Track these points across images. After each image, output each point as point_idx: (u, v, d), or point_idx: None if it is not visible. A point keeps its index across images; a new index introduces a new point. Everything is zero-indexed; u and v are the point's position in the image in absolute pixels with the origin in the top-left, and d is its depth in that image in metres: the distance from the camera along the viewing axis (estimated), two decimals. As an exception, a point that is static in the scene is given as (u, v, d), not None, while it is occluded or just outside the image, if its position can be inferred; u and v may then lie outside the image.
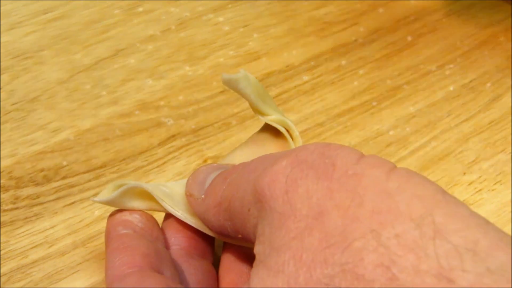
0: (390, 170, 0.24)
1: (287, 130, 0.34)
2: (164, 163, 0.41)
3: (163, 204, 0.33)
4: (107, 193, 0.33)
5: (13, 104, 0.44)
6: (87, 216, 0.38)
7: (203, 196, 0.31)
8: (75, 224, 0.38)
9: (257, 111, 0.34)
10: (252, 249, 0.27)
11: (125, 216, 0.33)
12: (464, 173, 0.42)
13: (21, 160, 0.41)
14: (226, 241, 0.33)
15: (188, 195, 0.32)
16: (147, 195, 0.33)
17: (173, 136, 0.42)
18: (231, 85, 0.33)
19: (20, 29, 0.48)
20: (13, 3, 0.50)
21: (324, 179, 0.25)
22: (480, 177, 0.42)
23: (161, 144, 0.42)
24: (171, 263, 0.31)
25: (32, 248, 0.37)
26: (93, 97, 0.44)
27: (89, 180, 0.40)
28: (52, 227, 0.38)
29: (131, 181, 0.33)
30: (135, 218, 0.33)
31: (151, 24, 0.49)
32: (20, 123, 0.43)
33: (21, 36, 0.48)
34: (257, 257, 0.26)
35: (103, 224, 0.38)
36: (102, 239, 0.37)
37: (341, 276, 0.22)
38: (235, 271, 0.32)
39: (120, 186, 0.33)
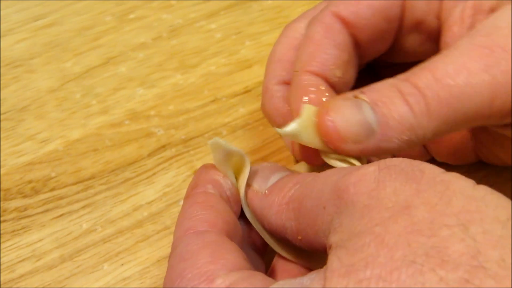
0: (475, 183, 0.25)
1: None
2: (154, 174, 0.41)
3: (240, 190, 0.33)
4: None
5: (3, 114, 0.43)
6: (75, 229, 0.38)
7: (266, 191, 0.31)
8: (63, 237, 0.38)
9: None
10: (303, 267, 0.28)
11: (218, 176, 0.33)
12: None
13: (9, 171, 0.40)
14: (275, 246, 0.33)
15: (248, 185, 0.32)
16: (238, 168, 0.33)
17: (163, 146, 0.42)
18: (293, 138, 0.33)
19: (11, 36, 0.48)
20: (3, 10, 0.49)
21: (412, 182, 0.25)
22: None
23: (151, 155, 0.42)
24: (239, 241, 0.31)
25: (20, 262, 0.37)
26: (83, 106, 0.44)
27: (78, 192, 0.40)
28: (40, 240, 0.38)
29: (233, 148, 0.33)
30: (226, 184, 0.33)
31: (142, 31, 0.49)
32: (9, 133, 0.42)
33: (11, 44, 0.48)
34: (333, 245, 0.25)
35: (91, 237, 0.38)
36: (90, 253, 0.37)
37: (423, 259, 0.22)
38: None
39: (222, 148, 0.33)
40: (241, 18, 0.51)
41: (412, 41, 0.36)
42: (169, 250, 0.37)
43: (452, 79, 0.29)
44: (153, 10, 0.51)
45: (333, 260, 0.24)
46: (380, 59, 0.38)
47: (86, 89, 0.45)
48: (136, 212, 0.39)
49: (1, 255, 0.37)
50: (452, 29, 0.33)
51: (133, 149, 0.42)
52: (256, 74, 0.47)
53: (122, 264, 0.37)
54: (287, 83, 0.36)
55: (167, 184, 0.40)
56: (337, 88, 0.34)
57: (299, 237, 0.29)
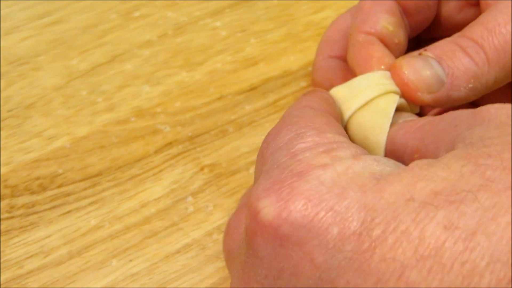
0: None
1: None
2: (161, 171, 0.41)
3: None
4: None
5: (9, 111, 0.43)
6: (83, 226, 0.38)
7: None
8: (70, 233, 0.38)
9: None
10: None
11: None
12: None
13: (16, 168, 0.40)
14: None
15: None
16: None
17: (170, 143, 0.42)
18: None
19: (17, 34, 0.48)
20: (9, 7, 0.50)
21: None
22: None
23: (158, 151, 0.42)
24: None
25: (28, 258, 0.37)
26: (89, 104, 0.44)
27: (85, 189, 0.40)
28: (48, 236, 0.38)
29: None
30: None
31: (148, 29, 0.49)
32: (15, 130, 0.42)
33: (17, 41, 0.48)
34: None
35: (99, 233, 0.38)
36: (98, 249, 0.37)
37: None
38: None
39: None
40: (245, 16, 0.51)
41: (453, 8, 0.38)
42: (177, 246, 0.37)
43: (504, 28, 0.32)
44: (157, 8, 0.51)
45: (453, 152, 0.24)
46: (422, 35, 0.40)
47: (92, 87, 0.45)
48: (143, 209, 0.39)
49: (9, 251, 0.37)
50: None
51: (139, 146, 0.42)
52: (262, 71, 0.47)
53: (131, 260, 0.37)
54: (334, 57, 0.40)
55: (174, 180, 0.40)
56: (390, 50, 0.37)
57: (416, 155, 0.29)
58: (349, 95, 0.34)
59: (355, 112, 0.33)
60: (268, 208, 0.24)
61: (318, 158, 0.25)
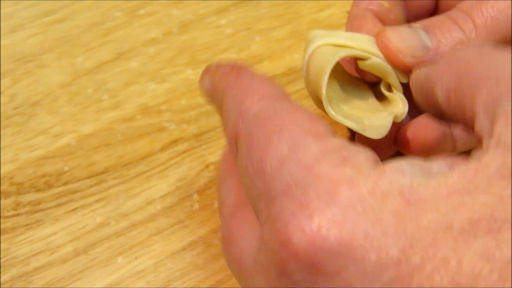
0: None
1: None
2: (166, 168, 0.41)
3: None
4: None
5: (15, 109, 0.43)
6: (88, 223, 0.38)
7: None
8: (76, 231, 0.38)
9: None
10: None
11: None
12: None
13: (22, 166, 0.40)
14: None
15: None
16: None
17: (175, 141, 0.42)
18: None
19: (22, 32, 0.48)
20: (14, 5, 0.50)
21: None
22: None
23: (163, 149, 0.42)
24: None
25: (34, 255, 0.37)
26: (95, 101, 0.44)
27: (91, 186, 0.40)
28: (54, 234, 0.38)
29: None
30: None
31: (152, 26, 0.49)
32: (21, 127, 0.42)
33: (22, 39, 0.48)
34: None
35: (105, 231, 0.38)
36: (104, 246, 0.37)
37: None
38: None
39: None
40: (250, 14, 0.51)
41: None
42: (182, 243, 0.37)
43: None
44: (162, 6, 0.51)
45: (495, 166, 0.22)
46: None
47: (98, 84, 0.45)
48: (149, 206, 0.39)
49: (15, 248, 0.37)
50: None
51: (145, 143, 0.42)
52: (267, 69, 0.47)
53: (136, 258, 0.37)
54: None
55: (180, 178, 0.40)
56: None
57: (453, 96, 0.26)
58: (326, 35, 0.34)
59: (321, 46, 0.34)
60: (300, 236, 0.23)
61: (338, 171, 0.23)
